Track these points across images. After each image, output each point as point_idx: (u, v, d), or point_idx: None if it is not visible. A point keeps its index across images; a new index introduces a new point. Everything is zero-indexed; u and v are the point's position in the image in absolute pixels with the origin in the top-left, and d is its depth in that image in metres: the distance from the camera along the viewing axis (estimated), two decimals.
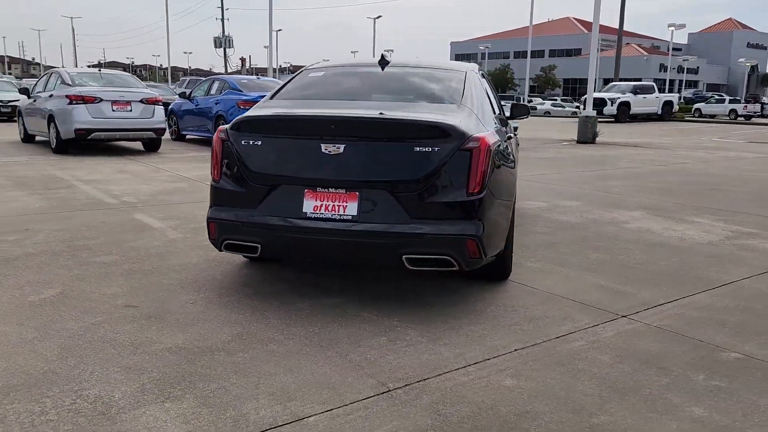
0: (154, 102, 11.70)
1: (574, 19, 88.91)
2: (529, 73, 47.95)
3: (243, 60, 51.63)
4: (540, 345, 3.33)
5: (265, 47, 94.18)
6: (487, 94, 4.77)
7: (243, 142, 3.72)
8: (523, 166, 11.69)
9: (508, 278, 4.44)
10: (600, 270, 4.77)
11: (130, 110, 11.39)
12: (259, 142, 3.69)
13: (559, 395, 2.78)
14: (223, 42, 61.60)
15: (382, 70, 4.57)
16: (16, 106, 15.17)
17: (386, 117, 3.59)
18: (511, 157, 4.36)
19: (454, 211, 3.54)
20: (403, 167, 3.51)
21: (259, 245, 3.70)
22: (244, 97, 12.38)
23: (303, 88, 4.41)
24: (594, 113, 18.83)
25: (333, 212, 3.56)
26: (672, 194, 8.67)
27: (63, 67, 53.32)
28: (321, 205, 3.58)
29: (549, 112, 45.56)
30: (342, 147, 3.54)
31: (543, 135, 21.76)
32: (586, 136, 18.26)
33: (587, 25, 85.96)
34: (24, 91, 13.17)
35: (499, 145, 3.94)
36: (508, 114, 6.20)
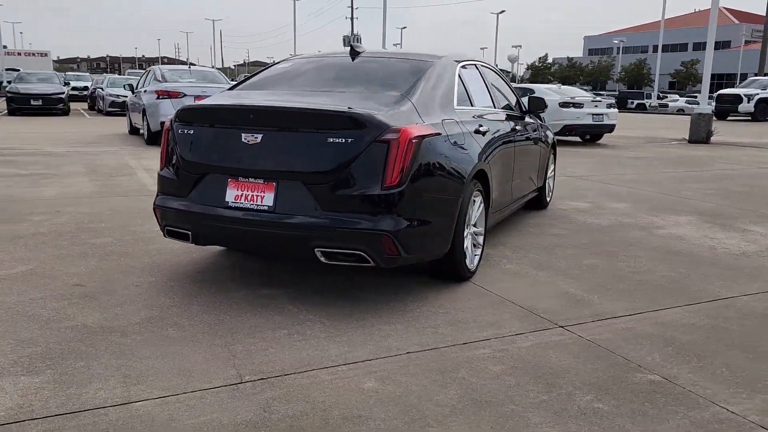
0: None
1: (725, 9, 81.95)
2: (660, 68, 44.91)
3: None
4: (439, 350, 3.13)
5: (394, 45, 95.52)
6: (465, 87, 4.52)
7: (180, 132, 3.82)
8: (601, 166, 11.03)
9: (469, 279, 4.21)
10: (583, 276, 4.40)
11: None
12: (192, 132, 3.77)
13: (408, 403, 2.61)
14: (351, 40, 63.30)
15: (353, 60, 4.50)
16: None
17: (299, 107, 3.54)
18: (467, 151, 4.07)
19: (368, 204, 3.41)
20: (316, 158, 3.44)
21: (189, 233, 3.78)
22: None
23: (263, 80, 4.44)
24: (708, 110, 17.27)
25: (251, 202, 3.56)
26: (746, 199, 7.78)
27: (213, 66, 57.51)
28: (241, 195, 3.59)
29: (683, 110, 42.45)
30: (259, 137, 3.52)
31: (657, 133, 20.37)
32: (699, 135, 16.82)
33: (739, 15, 79.16)
34: (129, 87, 14.31)
35: (440, 139, 3.74)
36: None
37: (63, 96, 22.56)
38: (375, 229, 3.38)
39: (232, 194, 3.62)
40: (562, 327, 3.47)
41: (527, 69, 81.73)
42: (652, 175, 10.05)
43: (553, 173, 7.06)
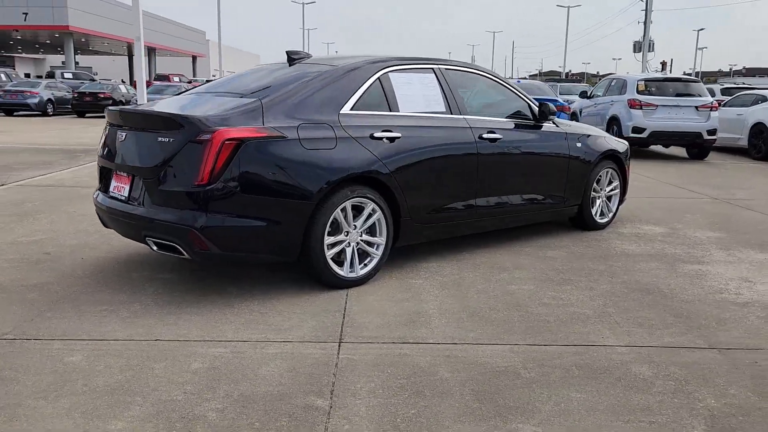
0: None
1: None
2: None
3: (663, 63, 48.44)
4: (187, 342, 3.25)
5: (699, 49, 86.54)
6: (385, 92, 4.37)
7: (105, 131, 4.47)
8: (726, 187, 9.05)
9: (351, 287, 4.11)
10: (474, 301, 3.97)
11: None
12: (107, 132, 4.38)
13: (67, 378, 2.83)
14: (642, 46, 59.36)
15: (289, 66, 4.67)
16: None
17: (141, 109, 3.91)
18: (339, 156, 3.95)
19: (182, 200, 3.64)
20: (148, 156, 3.79)
21: (100, 218, 4.41)
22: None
23: (202, 87, 4.83)
24: None
25: (119, 192, 4.05)
26: None
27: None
28: (116, 186, 4.10)
29: None
30: (124, 135, 3.99)
31: None
32: None
33: None
34: None
35: (283, 142, 3.76)
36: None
37: None
38: (182, 224, 3.61)
39: (113, 185, 4.15)
40: (343, 343, 3.28)
41: None
42: None
43: (614, 191, 6.15)
